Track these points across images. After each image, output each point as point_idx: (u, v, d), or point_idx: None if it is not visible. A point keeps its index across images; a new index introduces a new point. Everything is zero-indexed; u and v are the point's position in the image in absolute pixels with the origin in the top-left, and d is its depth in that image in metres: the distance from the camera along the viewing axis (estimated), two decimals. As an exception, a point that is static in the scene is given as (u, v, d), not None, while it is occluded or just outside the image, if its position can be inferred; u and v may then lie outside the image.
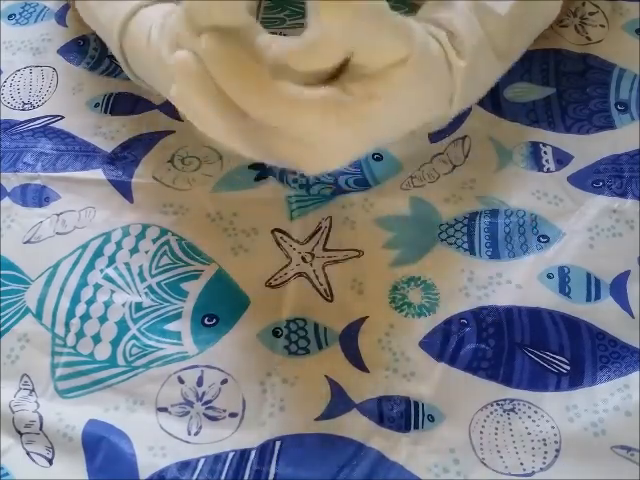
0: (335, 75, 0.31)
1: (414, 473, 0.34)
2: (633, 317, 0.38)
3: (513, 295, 0.39)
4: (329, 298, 0.40)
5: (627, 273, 0.39)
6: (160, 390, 0.37)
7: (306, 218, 0.42)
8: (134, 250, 0.42)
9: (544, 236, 0.41)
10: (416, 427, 0.35)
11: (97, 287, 0.40)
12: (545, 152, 0.44)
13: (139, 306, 0.40)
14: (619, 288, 0.39)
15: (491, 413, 0.36)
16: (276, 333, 0.39)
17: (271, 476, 0.34)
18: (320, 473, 0.34)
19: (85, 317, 0.39)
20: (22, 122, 0.48)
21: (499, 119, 0.45)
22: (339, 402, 0.36)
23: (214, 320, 0.39)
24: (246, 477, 0.34)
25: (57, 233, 0.43)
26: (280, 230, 0.42)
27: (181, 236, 0.42)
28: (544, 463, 0.34)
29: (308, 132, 0.30)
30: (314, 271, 0.40)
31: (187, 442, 0.36)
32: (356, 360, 0.38)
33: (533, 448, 0.35)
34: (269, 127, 0.30)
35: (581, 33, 0.48)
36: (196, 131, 0.32)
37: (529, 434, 0.35)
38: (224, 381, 0.37)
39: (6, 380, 0.38)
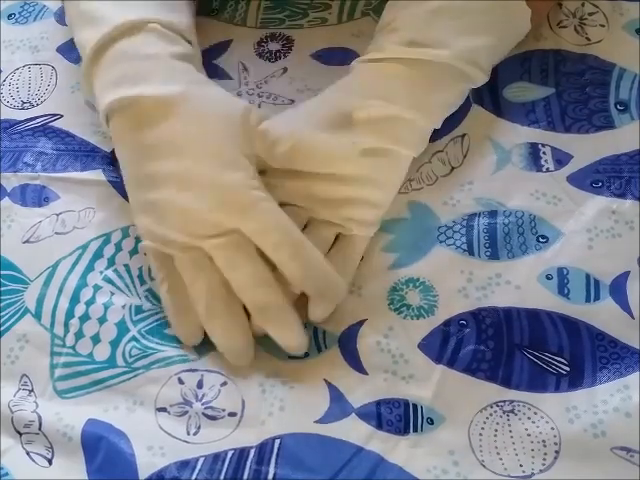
0: None
1: (413, 474, 0.34)
2: (633, 318, 0.38)
3: (512, 296, 0.39)
4: (328, 300, 0.40)
5: (627, 274, 0.39)
6: (160, 391, 0.37)
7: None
8: (134, 252, 0.41)
9: (543, 236, 0.41)
10: (415, 430, 0.35)
11: (97, 288, 0.40)
12: (544, 152, 0.44)
13: (139, 309, 0.40)
14: (619, 289, 0.39)
15: (490, 415, 0.36)
16: (276, 335, 0.39)
17: (270, 475, 0.34)
18: (320, 472, 0.34)
19: (84, 318, 0.39)
20: (22, 121, 0.48)
21: (498, 119, 0.45)
22: (338, 407, 0.36)
23: (214, 322, 0.39)
24: (245, 476, 0.34)
25: (56, 233, 0.43)
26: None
27: (180, 237, 0.42)
28: (544, 464, 0.34)
29: None
30: (314, 272, 0.40)
31: (186, 442, 0.36)
32: (355, 363, 0.38)
33: (532, 449, 0.34)
34: None
35: (581, 33, 0.48)
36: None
37: (529, 435, 0.35)
38: (224, 383, 0.37)
39: (5, 380, 0.38)
